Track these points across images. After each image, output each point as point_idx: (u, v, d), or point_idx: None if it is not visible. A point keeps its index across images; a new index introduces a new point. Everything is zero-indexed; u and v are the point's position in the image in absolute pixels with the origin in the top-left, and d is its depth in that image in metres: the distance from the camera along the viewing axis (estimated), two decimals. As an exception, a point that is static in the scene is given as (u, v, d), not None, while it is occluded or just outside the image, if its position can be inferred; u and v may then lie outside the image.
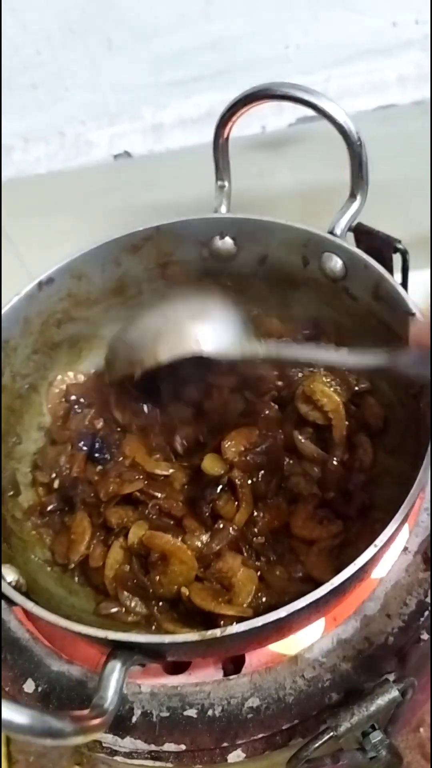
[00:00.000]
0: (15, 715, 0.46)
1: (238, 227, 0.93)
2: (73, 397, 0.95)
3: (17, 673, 0.76)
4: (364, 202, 0.90)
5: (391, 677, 0.67)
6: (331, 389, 0.87)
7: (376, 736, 0.67)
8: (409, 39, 1.25)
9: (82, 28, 1.22)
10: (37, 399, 0.94)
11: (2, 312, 0.85)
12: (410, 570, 0.76)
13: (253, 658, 0.74)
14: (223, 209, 0.95)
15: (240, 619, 0.62)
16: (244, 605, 0.73)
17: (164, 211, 1.00)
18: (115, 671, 0.57)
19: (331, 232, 0.88)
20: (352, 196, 0.89)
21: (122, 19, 1.21)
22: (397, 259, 0.93)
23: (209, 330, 0.77)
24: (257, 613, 0.60)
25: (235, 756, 0.69)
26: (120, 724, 0.71)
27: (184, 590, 0.75)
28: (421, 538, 0.78)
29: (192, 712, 0.71)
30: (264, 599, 0.75)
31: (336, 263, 0.88)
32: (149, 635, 0.61)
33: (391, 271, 0.92)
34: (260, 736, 0.69)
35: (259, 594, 0.75)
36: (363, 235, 0.92)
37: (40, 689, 0.75)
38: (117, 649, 0.59)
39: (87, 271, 0.92)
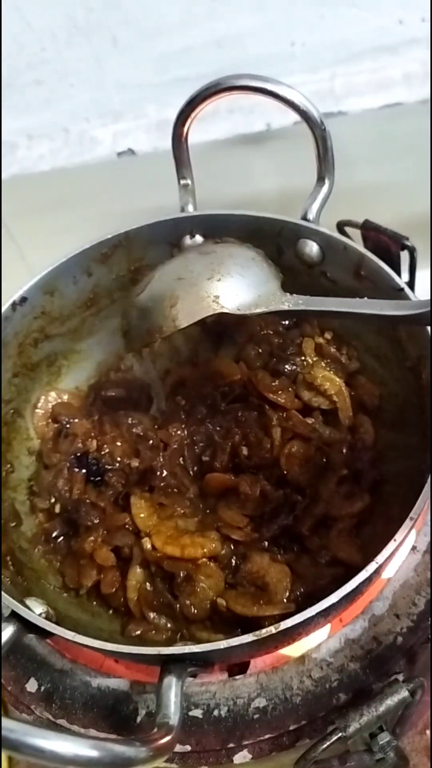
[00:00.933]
0: (77, 748, 0.44)
1: (206, 224, 0.91)
2: (61, 418, 0.92)
3: (20, 672, 0.75)
4: (332, 184, 0.89)
5: (401, 677, 0.66)
6: (330, 372, 0.87)
7: (384, 738, 0.66)
8: (415, 37, 1.24)
9: (87, 26, 1.21)
10: (23, 424, 0.92)
11: None
12: (419, 569, 0.75)
13: (258, 660, 0.73)
14: (190, 208, 0.94)
15: (284, 616, 0.60)
16: (285, 601, 0.72)
17: (167, 208, 1.00)
18: (172, 686, 0.56)
19: (304, 218, 0.87)
20: (320, 179, 0.88)
21: (127, 17, 1.21)
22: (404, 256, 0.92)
23: (228, 287, 0.73)
24: (299, 606, 0.59)
25: (242, 757, 0.68)
26: (125, 725, 0.71)
27: (221, 601, 0.73)
28: (429, 537, 0.77)
29: (197, 713, 0.71)
30: (301, 590, 0.73)
31: (312, 248, 0.88)
32: (203, 644, 0.58)
33: (398, 268, 0.92)
34: (267, 736, 0.69)
35: (294, 586, 0.74)
36: (370, 232, 0.92)
37: (43, 689, 0.74)
38: (169, 663, 0.58)
39: (58, 286, 0.90)
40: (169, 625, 0.75)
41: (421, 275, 0.95)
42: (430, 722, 0.97)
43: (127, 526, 0.80)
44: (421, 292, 0.94)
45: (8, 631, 0.60)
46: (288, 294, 0.75)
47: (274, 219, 0.88)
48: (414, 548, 0.77)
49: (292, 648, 0.72)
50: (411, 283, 0.94)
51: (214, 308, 0.71)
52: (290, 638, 0.67)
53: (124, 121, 1.33)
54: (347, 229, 0.95)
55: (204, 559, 0.75)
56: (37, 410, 0.93)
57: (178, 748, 0.69)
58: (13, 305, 0.85)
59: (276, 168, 1.32)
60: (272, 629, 0.58)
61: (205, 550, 0.76)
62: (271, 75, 1.26)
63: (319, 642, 0.73)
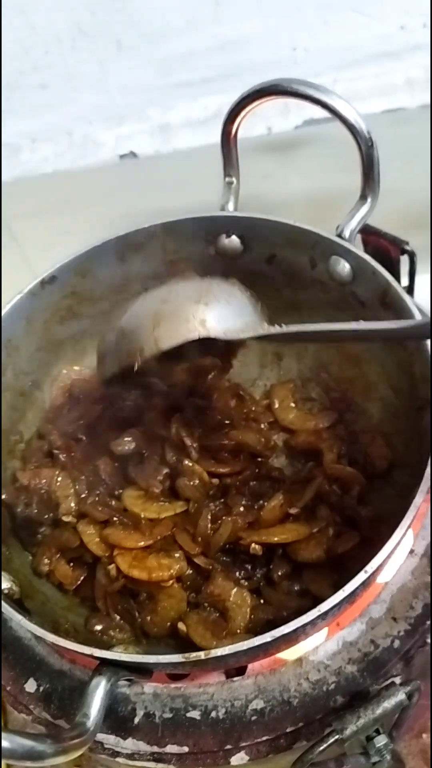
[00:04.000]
0: None
1: (245, 226, 0.92)
2: (75, 393, 0.93)
3: (19, 672, 0.76)
4: (375, 204, 0.87)
5: (398, 680, 0.67)
6: (306, 408, 0.89)
7: (381, 741, 0.66)
8: (417, 42, 1.25)
9: (91, 30, 1.22)
10: (40, 396, 0.93)
11: (4, 311, 0.84)
12: (416, 573, 0.75)
13: (256, 662, 0.73)
14: (231, 207, 0.93)
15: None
16: (239, 630, 0.73)
17: (170, 211, 1.00)
18: (99, 688, 0.56)
19: (340, 235, 0.86)
20: (363, 197, 0.87)
21: (131, 21, 1.21)
22: (403, 260, 0.93)
23: (216, 310, 0.70)
24: (256, 634, 0.60)
25: (239, 759, 0.68)
26: (122, 725, 0.71)
27: (182, 627, 0.74)
28: (427, 541, 0.77)
29: (195, 714, 0.71)
30: (263, 615, 0.74)
31: (344, 267, 0.86)
32: (135, 655, 0.60)
33: (398, 273, 0.92)
34: (264, 738, 0.69)
35: (258, 611, 0.75)
36: (370, 236, 0.92)
37: (41, 689, 0.74)
38: (103, 665, 0.58)
39: (91, 268, 0.91)
40: (128, 630, 0.77)
41: (421, 279, 0.95)
42: (429, 725, 0.97)
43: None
44: (420, 297, 0.95)
45: None
46: (276, 326, 0.72)
47: (309, 231, 0.87)
48: (412, 551, 0.77)
49: (290, 651, 0.73)
50: (410, 288, 0.94)
51: (200, 331, 0.69)
52: (226, 665, 0.69)
53: (126, 124, 1.34)
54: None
55: (167, 578, 0.76)
56: (57, 382, 0.95)
57: (176, 749, 0.69)
58: (42, 283, 0.87)
59: (289, 172, 1.32)
60: (201, 654, 0.59)
61: (171, 571, 0.76)
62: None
63: (316, 645, 0.73)
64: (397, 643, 0.72)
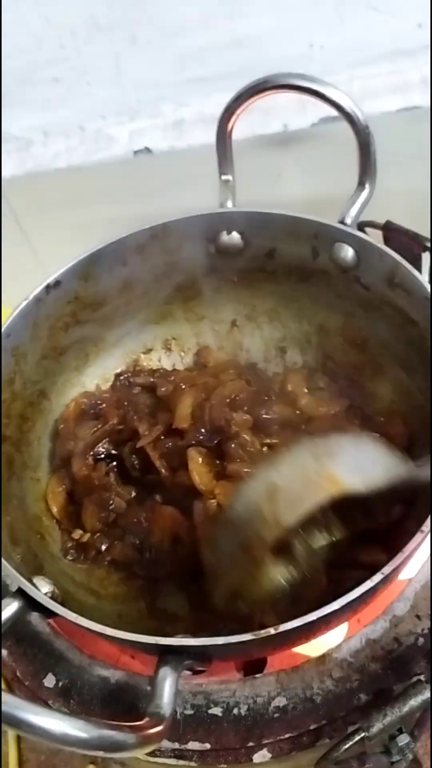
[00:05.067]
0: (67, 727, 0.44)
1: (245, 221, 0.91)
2: (89, 401, 0.92)
3: (38, 667, 0.75)
4: (373, 190, 0.89)
5: (423, 678, 0.66)
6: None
7: (403, 740, 0.66)
8: (433, 41, 1.24)
9: (106, 24, 1.21)
10: (48, 405, 0.92)
11: (12, 317, 0.82)
12: (440, 570, 0.75)
13: (276, 658, 0.73)
14: (229, 204, 0.93)
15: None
16: None
17: (183, 207, 1.00)
18: (167, 677, 0.55)
19: (342, 222, 0.86)
20: (361, 184, 0.88)
21: (147, 15, 1.20)
22: (425, 258, 0.92)
23: (343, 458, 0.60)
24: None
25: (261, 756, 0.68)
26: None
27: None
28: (451, 538, 0.77)
29: (217, 711, 0.70)
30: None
31: (347, 253, 0.86)
32: (200, 638, 0.57)
33: (420, 269, 0.92)
34: (287, 736, 0.68)
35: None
36: (392, 232, 0.92)
37: (60, 684, 0.74)
38: (167, 654, 0.57)
39: (94, 272, 0.89)
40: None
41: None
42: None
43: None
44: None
45: (12, 607, 0.60)
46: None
47: (311, 220, 0.87)
48: (435, 550, 0.77)
49: (312, 647, 0.72)
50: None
51: (329, 490, 0.57)
52: (298, 639, 0.66)
53: (140, 120, 1.33)
54: (368, 229, 0.95)
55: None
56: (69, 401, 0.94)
57: (197, 746, 0.69)
58: (47, 288, 0.85)
59: (302, 170, 1.32)
60: (271, 630, 0.56)
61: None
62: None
63: (339, 642, 0.72)
64: (421, 641, 0.72)
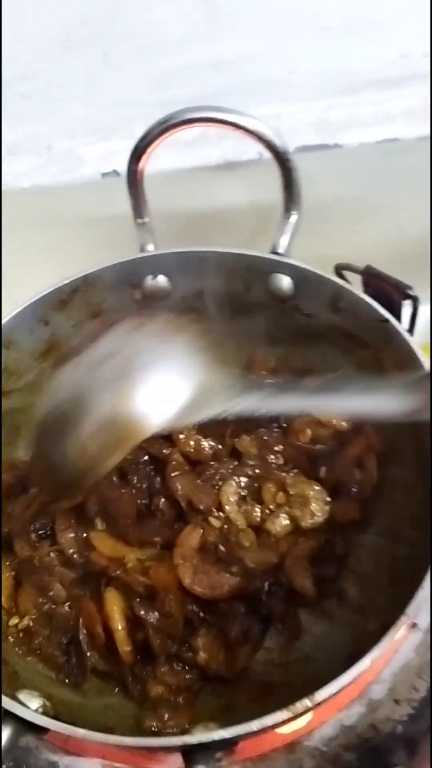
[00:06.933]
0: None
1: (169, 263, 0.89)
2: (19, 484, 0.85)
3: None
4: (301, 214, 0.87)
5: (401, 773, 0.62)
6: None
7: None
8: (416, 72, 1.22)
9: (82, 40, 1.16)
10: None
11: None
12: (420, 650, 0.71)
13: (246, 744, 0.67)
14: (150, 247, 0.90)
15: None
16: None
17: (151, 231, 0.95)
18: None
19: (274, 252, 0.85)
20: (287, 211, 0.87)
21: (124, 34, 1.16)
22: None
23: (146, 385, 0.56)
24: None
25: None
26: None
27: None
28: (431, 614, 0.73)
29: (174, 804, 0.65)
30: None
31: (283, 282, 0.86)
32: (232, 728, 0.52)
33: (399, 316, 0.89)
34: None
35: None
36: (372, 278, 0.89)
37: (6, 770, 0.68)
38: (195, 752, 0.53)
39: (15, 337, 0.85)
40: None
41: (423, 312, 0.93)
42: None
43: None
44: (419, 334, 0.92)
45: (5, 733, 0.54)
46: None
47: (241, 254, 0.85)
48: (414, 625, 0.72)
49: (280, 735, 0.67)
50: (411, 330, 0.91)
51: (146, 429, 0.55)
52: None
53: (111, 140, 1.28)
54: (346, 273, 0.91)
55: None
56: None
57: None
58: None
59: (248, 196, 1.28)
60: (307, 702, 0.52)
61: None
62: (268, 101, 1.23)
63: (311, 729, 0.67)
64: (399, 729, 0.67)
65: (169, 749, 0.55)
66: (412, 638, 0.71)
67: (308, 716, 0.68)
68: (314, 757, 0.66)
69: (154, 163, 1.26)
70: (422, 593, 0.56)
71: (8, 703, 0.55)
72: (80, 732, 0.54)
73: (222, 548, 0.72)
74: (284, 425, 0.83)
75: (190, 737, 0.53)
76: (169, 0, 1.10)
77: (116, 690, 0.72)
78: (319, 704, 0.52)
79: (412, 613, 0.55)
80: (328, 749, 0.66)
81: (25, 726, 0.55)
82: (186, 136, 1.27)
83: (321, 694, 0.52)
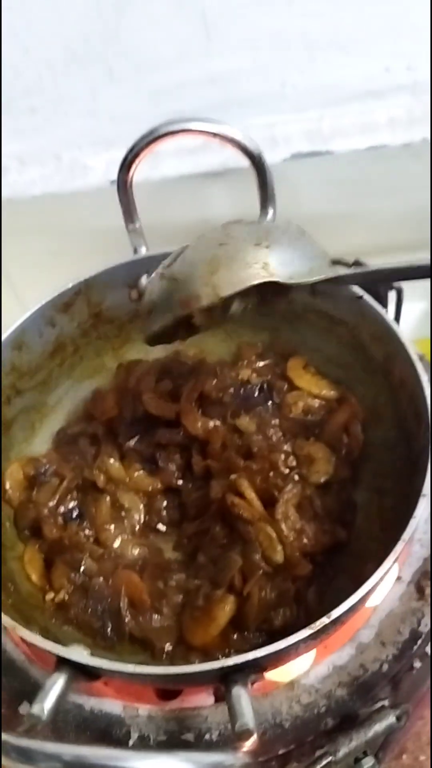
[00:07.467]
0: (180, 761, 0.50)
1: (159, 263, 0.94)
2: (36, 468, 0.92)
3: (12, 695, 0.76)
4: (275, 213, 0.93)
5: (386, 703, 0.69)
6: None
7: (369, 762, 0.69)
8: (400, 84, 1.29)
9: (84, 57, 1.23)
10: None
11: None
12: (404, 599, 0.78)
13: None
14: (143, 249, 0.97)
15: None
16: None
17: (156, 237, 1.03)
18: (241, 694, 0.58)
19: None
20: (263, 209, 0.92)
21: (124, 50, 1.23)
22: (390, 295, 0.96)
23: (279, 255, 0.66)
24: None
25: (232, 781, 0.70)
26: (117, 748, 0.72)
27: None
28: (414, 567, 0.80)
29: (189, 736, 0.72)
30: None
31: None
32: (263, 648, 0.60)
33: (386, 306, 0.96)
34: (257, 760, 0.70)
35: None
36: (360, 270, 0.95)
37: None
38: (231, 674, 0.60)
39: (26, 340, 0.92)
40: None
41: (413, 309, 0.99)
42: (405, 747, 1.00)
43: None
44: (405, 327, 0.99)
45: (60, 682, 0.61)
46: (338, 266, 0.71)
47: None
48: (399, 578, 0.80)
49: (281, 673, 0.74)
50: (397, 319, 0.99)
51: (262, 275, 0.65)
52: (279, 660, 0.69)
53: (115, 150, 1.35)
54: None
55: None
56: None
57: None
58: None
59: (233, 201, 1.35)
60: (325, 620, 0.60)
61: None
62: (262, 113, 1.30)
63: (307, 668, 0.75)
64: (385, 667, 0.74)
65: (209, 675, 0.62)
66: (397, 588, 0.79)
67: (312, 654, 0.75)
68: (310, 693, 0.73)
69: (159, 170, 1.35)
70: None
71: (64, 651, 0.62)
72: (129, 667, 0.61)
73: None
74: (277, 402, 0.91)
75: (225, 660, 0.60)
76: (167, 19, 1.17)
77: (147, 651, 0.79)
78: (334, 622, 0.61)
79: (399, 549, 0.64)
80: (322, 686, 0.74)
81: (78, 674, 0.62)
82: (189, 145, 1.35)
83: (336, 612, 0.61)
